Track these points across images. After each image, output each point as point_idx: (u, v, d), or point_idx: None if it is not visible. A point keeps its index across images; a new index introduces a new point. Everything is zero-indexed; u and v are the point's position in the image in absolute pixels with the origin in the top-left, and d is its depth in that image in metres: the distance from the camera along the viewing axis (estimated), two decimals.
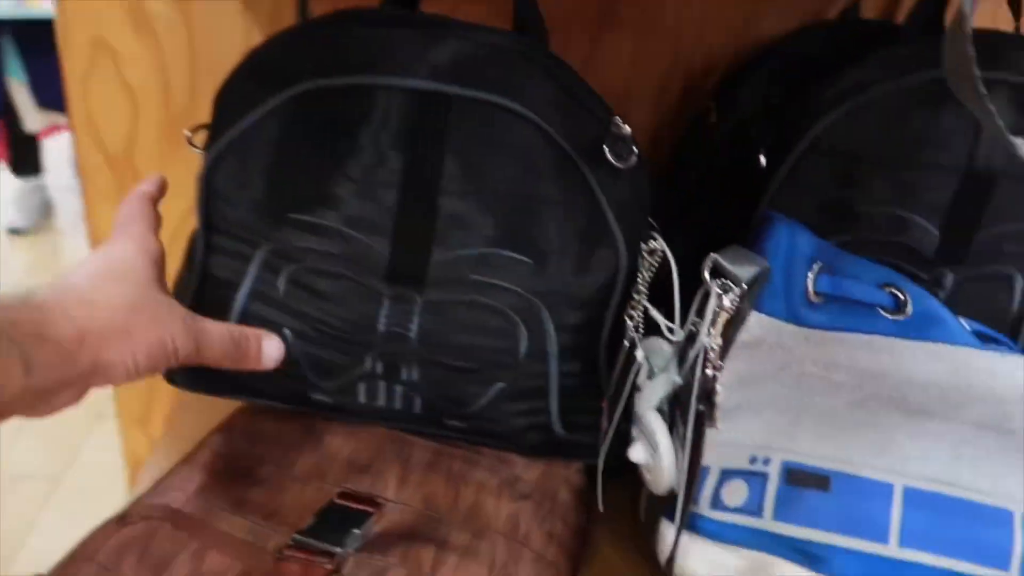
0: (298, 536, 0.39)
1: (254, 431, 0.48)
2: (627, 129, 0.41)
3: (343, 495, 0.42)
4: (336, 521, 0.41)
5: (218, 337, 0.40)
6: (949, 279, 0.47)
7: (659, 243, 0.43)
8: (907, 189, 0.45)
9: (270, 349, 0.43)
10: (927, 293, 0.41)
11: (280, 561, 0.38)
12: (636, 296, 0.44)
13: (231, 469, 0.44)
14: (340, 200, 0.42)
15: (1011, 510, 0.41)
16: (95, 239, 0.52)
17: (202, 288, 0.46)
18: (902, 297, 0.40)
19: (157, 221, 0.42)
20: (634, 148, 0.41)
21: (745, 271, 0.37)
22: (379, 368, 0.46)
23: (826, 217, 0.45)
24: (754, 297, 0.38)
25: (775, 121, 0.48)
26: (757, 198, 0.47)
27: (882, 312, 0.40)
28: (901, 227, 0.45)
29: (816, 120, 0.45)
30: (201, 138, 0.43)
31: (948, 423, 0.40)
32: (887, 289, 0.40)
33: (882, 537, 0.41)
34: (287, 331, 0.45)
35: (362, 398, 0.47)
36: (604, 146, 0.41)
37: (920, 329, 0.39)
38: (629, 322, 0.44)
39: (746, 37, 0.59)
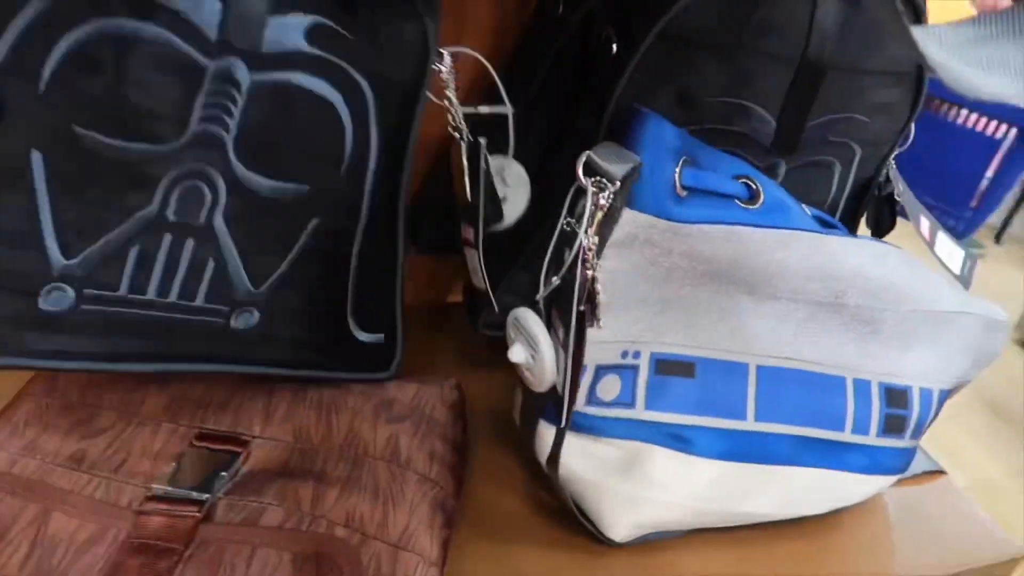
0: (156, 487, 0.35)
1: (82, 375, 0.42)
2: None
3: (202, 436, 0.38)
4: (197, 465, 0.37)
5: None
6: (782, 168, 0.50)
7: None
8: (747, 77, 0.46)
9: None
10: (774, 183, 0.43)
11: (140, 515, 0.34)
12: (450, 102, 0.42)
13: (63, 421, 0.39)
14: None
15: (843, 376, 0.45)
16: None
17: None
18: (755, 187, 0.41)
19: None
20: None
21: (619, 168, 0.37)
22: (172, 205, 0.35)
23: (674, 106, 0.45)
24: (626, 194, 0.37)
25: (623, 10, 0.46)
26: (607, 89, 0.46)
27: (738, 203, 0.41)
28: (743, 116, 0.47)
29: (665, 8, 0.44)
30: None
31: (792, 303, 0.43)
32: (741, 180, 0.41)
33: (741, 414, 0.43)
34: (36, 155, 0.32)
35: (126, 283, 0.35)
36: None
37: (773, 217, 0.41)
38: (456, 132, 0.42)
39: None
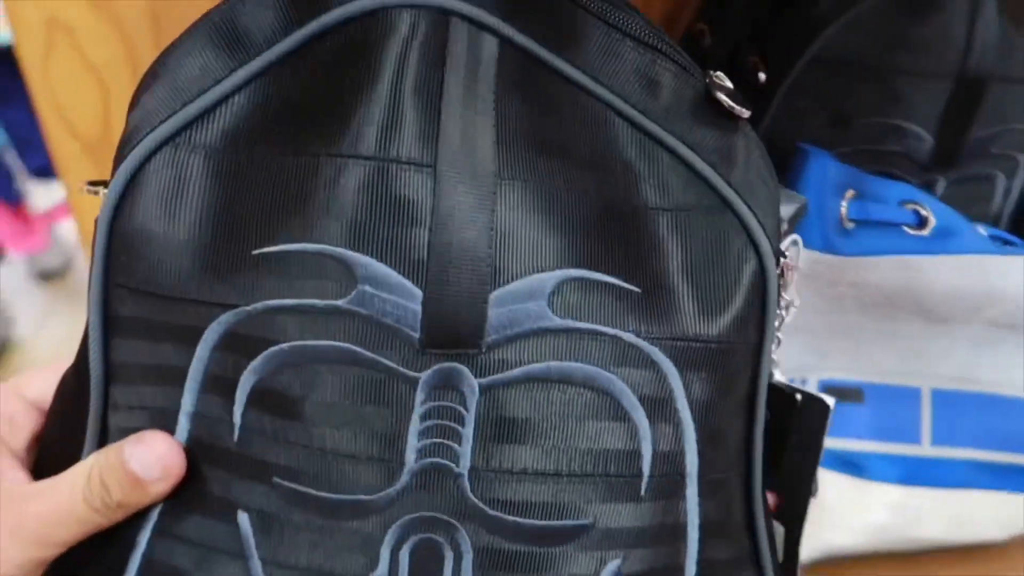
0: None
1: None
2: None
3: None
4: None
5: (65, 501, 0.26)
6: (941, 183, 0.49)
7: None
8: (902, 97, 0.45)
9: (143, 459, 0.26)
10: (945, 206, 0.42)
11: None
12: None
13: None
14: (336, 198, 0.25)
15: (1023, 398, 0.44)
16: (85, 237, 0.49)
17: (97, 443, 0.27)
18: (924, 212, 0.41)
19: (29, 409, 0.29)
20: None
21: (785, 209, 0.37)
22: (403, 567, 0.26)
23: (826, 130, 0.45)
24: (793, 232, 0.38)
25: (769, 37, 0.47)
26: (760, 117, 0.46)
27: (907, 230, 0.41)
28: (898, 136, 0.46)
29: (815, 33, 0.44)
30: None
31: (967, 325, 0.42)
32: (909, 207, 0.41)
33: (915, 438, 0.43)
34: (244, 518, 0.26)
35: None
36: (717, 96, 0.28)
37: (945, 242, 0.41)
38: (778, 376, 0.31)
39: None
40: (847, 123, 0.45)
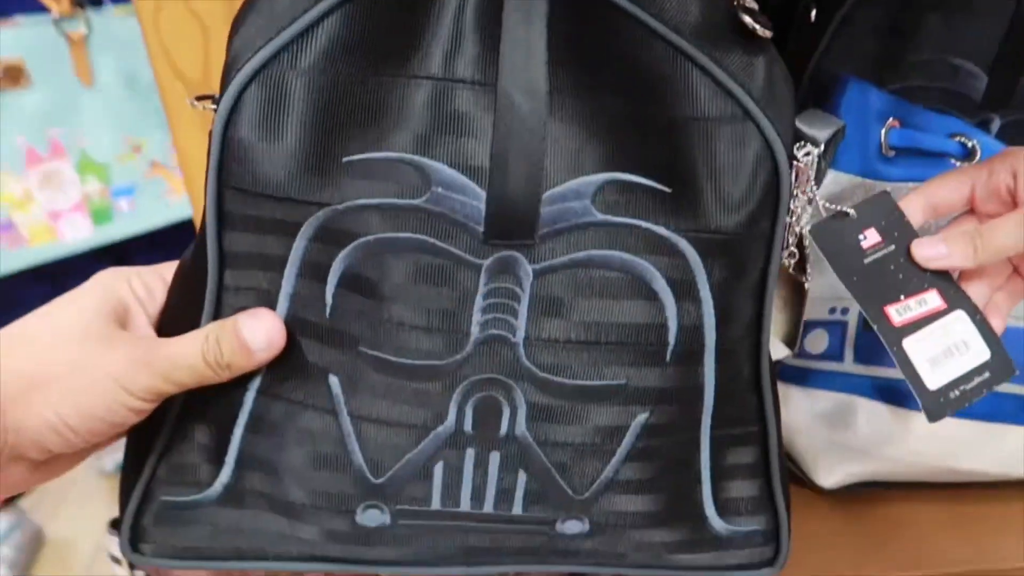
0: None
1: None
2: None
3: None
4: None
5: (188, 352, 0.30)
6: (995, 123, 0.48)
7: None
8: (957, 35, 0.45)
9: (254, 331, 0.30)
10: (995, 140, 0.42)
11: None
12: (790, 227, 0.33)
13: None
14: (411, 113, 0.29)
15: None
16: (186, 172, 0.54)
17: (212, 316, 0.32)
18: (971, 144, 0.41)
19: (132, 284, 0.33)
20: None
21: (822, 132, 0.38)
22: (468, 419, 0.32)
23: (877, 67, 0.45)
24: (831, 156, 0.39)
25: None
26: (806, 55, 0.47)
27: (953, 161, 0.41)
28: (951, 73, 0.46)
29: None
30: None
31: None
32: (956, 139, 0.41)
33: None
34: (334, 380, 0.32)
35: (437, 498, 0.33)
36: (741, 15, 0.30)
37: None
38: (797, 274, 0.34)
39: None
40: (899, 60, 0.45)
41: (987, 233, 0.34)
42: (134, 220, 1.08)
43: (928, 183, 0.37)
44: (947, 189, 0.36)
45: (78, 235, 1.04)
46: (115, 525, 0.40)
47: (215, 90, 0.31)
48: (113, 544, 0.39)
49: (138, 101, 1.02)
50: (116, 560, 0.39)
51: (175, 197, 1.10)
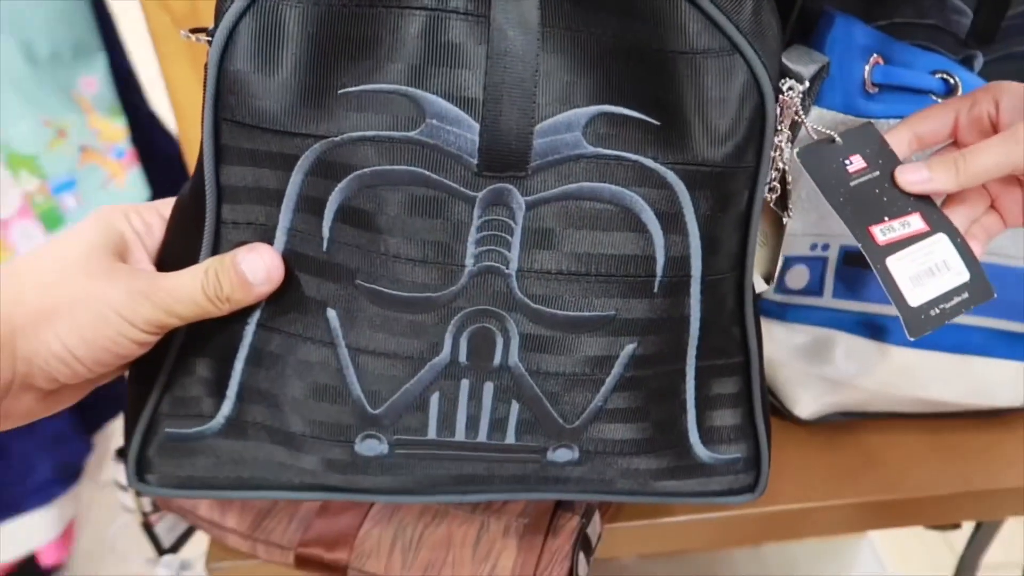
0: None
1: None
2: None
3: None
4: None
5: (188, 285, 0.31)
6: (979, 60, 0.48)
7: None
8: None
9: (252, 266, 0.31)
10: (977, 76, 0.42)
11: None
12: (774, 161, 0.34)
13: None
14: (404, 44, 0.29)
15: None
16: (177, 109, 0.54)
17: (211, 251, 0.32)
18: (953, 81, 0.41)
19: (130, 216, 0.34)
20: None
21: (807, 68, 0.38)
22: (462, 350, 0.33)
23: (864, 2, 0.46)
24: (815, 92, 0.39)
25: None
26: None
27: (934, 98, 0.41)
28: (937, 9, 0.46)
29: None
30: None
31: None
32: (939, 75, 0.42)
33: None
34: (332, 313, 0.32)
35: (433, 428, 0.34)
36: None
37: None
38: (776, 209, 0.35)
39: None
40: None
41: (968, 156, 0.35)
42: (84, 216, 1.00)
43: (913, 115, 0.37)
44: (931, 120, 0.37)
45: (34, 244, 0.94)
46: (121, 454, 0.41)
47: (203, 23, 0.31)
48: (119, 472, 0.41)
49: (44, 76, 0.91)
50: (122, 487, 0.41)
51: (116, 184, 0.99)
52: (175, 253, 0.33)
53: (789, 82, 0.33)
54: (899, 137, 0.37)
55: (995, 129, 0.36)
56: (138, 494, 0.42)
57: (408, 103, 0.29)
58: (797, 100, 0.35)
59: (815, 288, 0.45)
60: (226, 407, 0.34)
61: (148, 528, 0.42)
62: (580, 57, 0.30)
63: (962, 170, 0.35)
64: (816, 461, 0.47)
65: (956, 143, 0.37)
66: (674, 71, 0.31)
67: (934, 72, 0.42)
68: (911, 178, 0.36)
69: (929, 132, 0.37)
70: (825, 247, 0.44)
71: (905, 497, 0.45)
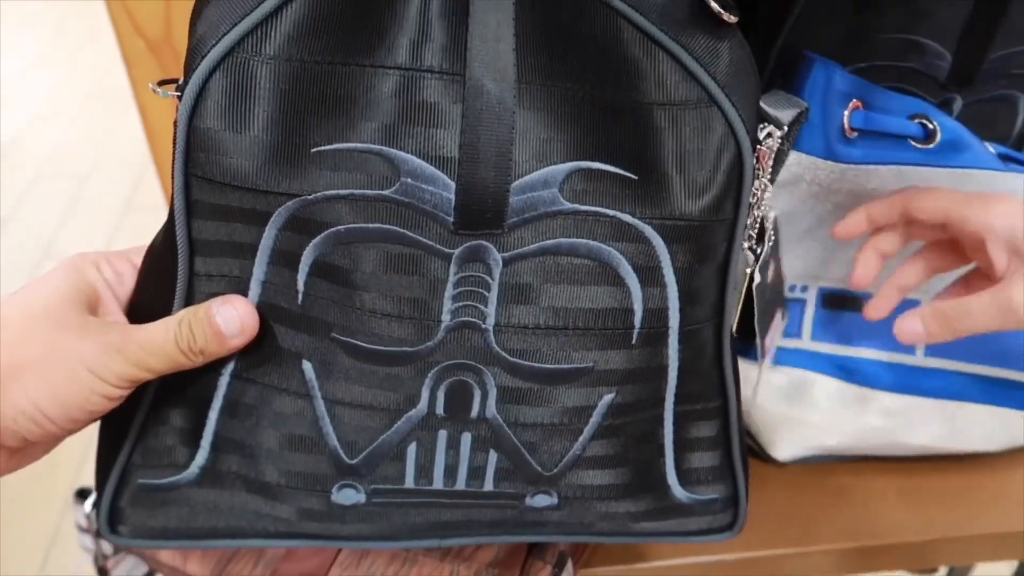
0: None
1: None
2: None
3: None
4: None
5: (160, 338, 0.30)
6: (958, 103, 0.49)
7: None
8: (923, 13, 0.45)
9: (227, 318, 0.30)
10: (956, 121, 0.43)
11: None
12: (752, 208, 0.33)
13: None
14: (379, 103, 0.28)
15: None
16: (149, 130, 0.53)
17: (184, 303, 0.32)
18: (931, 127, 0.42)
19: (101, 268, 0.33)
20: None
21: (786, 114, 0.38)
22: (440, 402, 0.33)
23: (842, 44, 0.46)
24: (794, 137, 0.39)
25: None
26: (775, 25, 0.47)
27: (912, 143, 0.41)
28: (916, 52, 0.46)
29: None
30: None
31: None
32: (917, 120, 0.42)
33: (910, 349, 0.44)
34: (307, 365, 0.32)
35: (411, 477, 0.34)
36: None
37: (948, 156, 0.41)
38: (748, 252, 0.35)
39: None
40: (865, 37, 0.45)
41: (963, 317, 0.37)
42: None
43: (908, 193, 0.39)
44: (923, 207, 0.39)
45: None
46: (81, 495, 0.40)
47: (177, 48, 0.30)
48: (79, 513, 0.40)
49: None
50: (82, 529, 0.40)
51: None
52: (147, 303, 0.33)
53: (767, 128, 0.33)
54: (890, 210, 0.39)
55: (967, 250, 0.39)
56: (98, 534, 0.41)
57: (382, 162, 0.28)
58: (775, 146, 0.35)
59: (793, 330, 0.45)
60: (200, 456, 0.34)
61: (104, 574, 0.41)
62: (556, 113, 0.29)
63: (956, 329, 0.37)
64: (792, 504, 0.46)
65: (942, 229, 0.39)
66: (652, 123, 0.30)
67: (912, 116, 0.42)
68: (907, 331, 0.38)
69: (920, 213, 0.39)
70: (804, 289, 0.44)
71: (881, 543, 0.44)
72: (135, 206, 1.69)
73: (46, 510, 1.10)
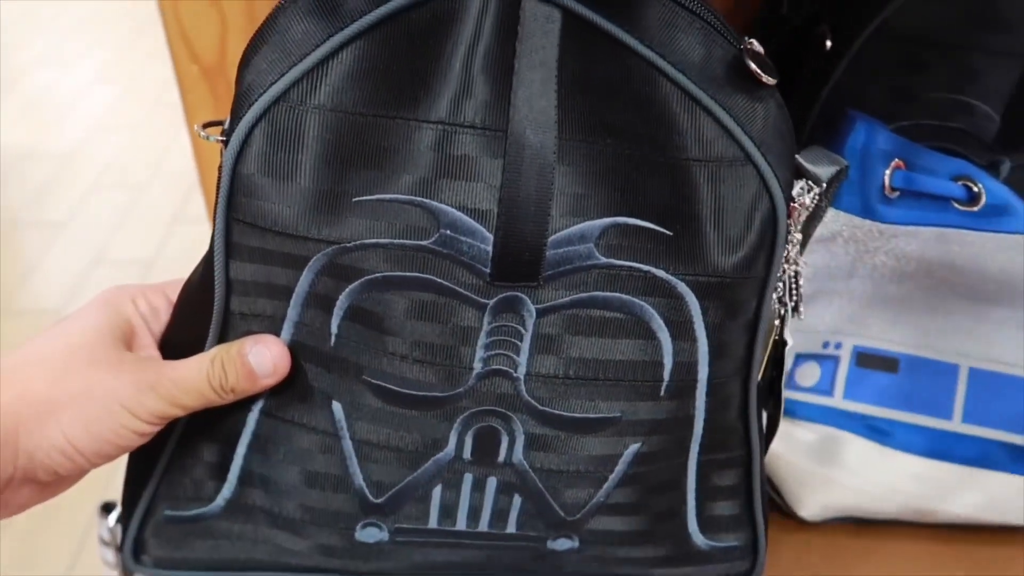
0: None
1: None
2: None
3: None
4: None
5: (193, 376, 0.31)
6: (1006, 166, 0.48)
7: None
8: (972, 74, 0.44)
9: (259, 358, 0.31)
10: (1002, 184, 0.42)
11: None
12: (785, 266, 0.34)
13: None
14: (419, 156, 0.29)
15: None
16: (198, 153, 0.55)
17: (218, 339, 0.32)
18: (975, 189, 0.41)
19: (139, 305, 0.34)
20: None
21: (825, 171, 0.38)
22: (467, 447, 0.33)
23: (888, 102, 0.45)
24: (832, 194, 0.39)
25: (840, 5, 0.47)
26: (817, 84, 0.47)
27: (955, 205, 0.41)
28: (964, 112, 0.45)
29: (884, 4, 0.44)
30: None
31: (1013, 309, 0.42)
32: (961, 182, 0.41)
33: (947, 414, 0.43)
34: (337, 405, 0.32)
35: (435, 517, 0.35)
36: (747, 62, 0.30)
37: (993, 220, 0.40)
38: (778, 307, 0.35)
39: None
40: (911, 97, 0.45)
41: None
42: None
43: None
44: None
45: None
46: (106, 509, 0.41)
47: (229, 76, 0.31)
48: (103, 527, 0.41)
49: None
50: (104, 543, 0.41)
51: None
52: (181, 339, 0.34)
53: (800, 183, 0.33)
54: None
55: None
56: (119, 548, 0.41)
57: (422, 213, 0.29)
58: (811, 203, 0.35)
59: (825, 387, 0.44)
60: (227, 490, 0.35)
61: None
62: (595, 167, 0.30)
63: None
64: (814, 562, 0.45)
65: None
66: (690, 179, 0.31)
67: (956, 178, 0.41)
68: None
69: None
70: (838, 346, 0.44)
71: None
72: (184, 218, 1.73)
73: (76, 516, 1.12)
